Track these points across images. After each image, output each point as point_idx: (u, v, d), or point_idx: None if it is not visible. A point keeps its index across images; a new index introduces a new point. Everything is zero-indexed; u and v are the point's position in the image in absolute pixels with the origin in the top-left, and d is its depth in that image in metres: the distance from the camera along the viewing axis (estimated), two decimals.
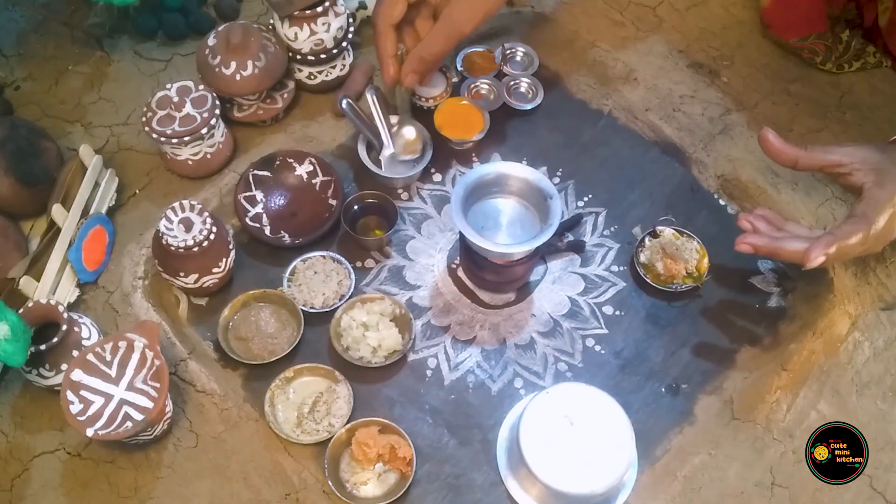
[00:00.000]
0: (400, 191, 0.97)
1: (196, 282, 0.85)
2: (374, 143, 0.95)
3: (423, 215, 0.96)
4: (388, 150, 0.95)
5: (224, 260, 0.86)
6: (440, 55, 0.93)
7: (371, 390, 0.84)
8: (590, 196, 0.97)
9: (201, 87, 0.92)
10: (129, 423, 0.74)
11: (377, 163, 0.95)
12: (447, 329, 0.89)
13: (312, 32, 0.95)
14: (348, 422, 0.80)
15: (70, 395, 0.75)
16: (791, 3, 0.96)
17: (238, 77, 0.93)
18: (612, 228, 0.95)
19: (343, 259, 0.91)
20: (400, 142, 0.97)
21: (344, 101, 0.93)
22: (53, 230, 0.86)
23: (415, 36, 0.94)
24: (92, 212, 0.90)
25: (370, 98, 0.95)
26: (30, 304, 0.79)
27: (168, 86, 0.92)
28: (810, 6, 0.94)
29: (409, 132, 0.97)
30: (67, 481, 0.79)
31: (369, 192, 0.94)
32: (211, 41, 0.95)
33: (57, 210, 0.86)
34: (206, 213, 0.84)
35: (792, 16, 0.97)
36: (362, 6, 1.05)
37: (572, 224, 0.95)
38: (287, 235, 0.92)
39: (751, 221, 0.85)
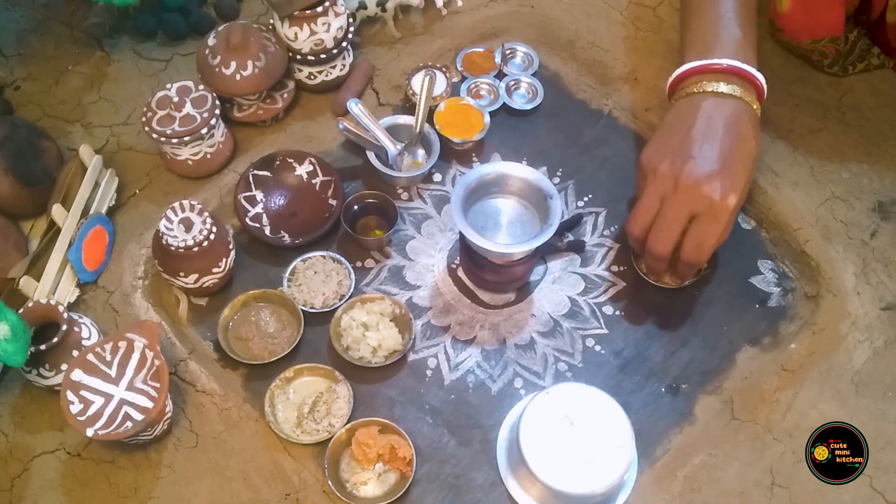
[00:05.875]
0: (400, 191, 0.97)
1: (196, 282, 0.85)
2: (378, 151, 0.96)
3: (423, 215, 0.96)
4: (393, 151, 0.96)
5: (224, 260, 0.86)
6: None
7: (371, 390, 0.84)
8: (590, 196, 0.97)
9: (201, 87, 0.92)
10: (129, 423, 0.74)
11: (389, 166, 0.96)
12: (447, 329, 0.89)
13: (312, 32, 0.95)
14: (348, 422, 0.80)
15: (70, 395, 0.75)
16: (812, 8, 0.96)
17: (238, 77, 0.93)
18: (612, 228, 0.95)
19: (343, 259, 0.91)
20: (409, 160, 0.97)
21: (341, 125, 0.94)
22: (53, 230, 0.86)
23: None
24: (92, 212, 0.90)
25: (356, 110, 0.95)
26: (30, 304, 0.79)
27: (168, 86, 0.92)
28: (832, 12, 0.94)
29: (421, 154, 0.98)
30: (67, 481, 0.79)
31: (369, 192, 0.94)
32: (211, 41, 0.95)
33: (57, 210, 0.86)
34: (206, 213, 0.84)
35: (811, 20, 0.96)
36: (362, 6, 1.05)
37: (572, 224, 0.95)
38: (287, 235, 0.92)
39: None
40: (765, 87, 0.86)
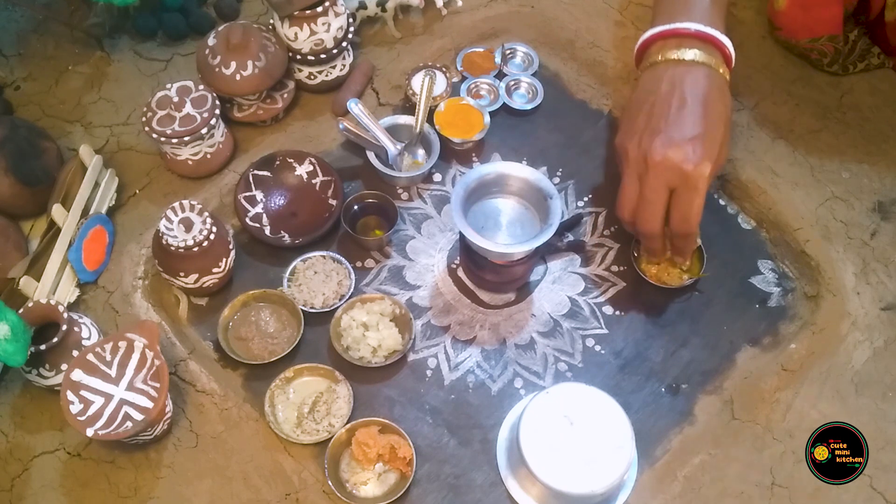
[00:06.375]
0: (400, 191, 0.97)
1: (196, 282, 0.85)
2: (378, 150, 0.96)
3: (423, 215, 0.96)
4: (393, 151, 0.96)
5: (224, 260, 0.86)
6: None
7: (371, 390, 0.84)
8: (590, 196, 0.97)
9: (201, 87, 0.92)
10: (129, 423, 0.74)
11: (389, 166, 0.96)
12: (447, 329, 0.89)
13: (312, 32, 0.95)
14: (348, 422, 0.80)
15: (70, 395, 0.75)
16: (810, 6, 0.96)
17: (238, 77, 0.93)
18: (612, 228, 0.95)
19: (343, 259, 0.91)
20: (409, 160, 0.97)
21: (341, 125, 0.94)
22: (53, 230, 0.86)
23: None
24: (92, 212, 0.90)
25: (356, 110, 0.95)
26: (30, 304, 0.79)
27: (168, 86, 0.92)
28: (829, 10, 0.94)
29: (421, 154, 0.98)
30: (67, 481, 0.79)
31: (369, 192, 0.94)
32: (211, 41, 0.95)
33: (57, 210, 0.86)
34: (206, 213, 0.84)
35: (809, 19, 0.96)
36: (362, 6, 1.05)
37: (572, 224, 0.95)
38: (287, 235, 0.92)
39: None
40: (731, 51, 0.85)
